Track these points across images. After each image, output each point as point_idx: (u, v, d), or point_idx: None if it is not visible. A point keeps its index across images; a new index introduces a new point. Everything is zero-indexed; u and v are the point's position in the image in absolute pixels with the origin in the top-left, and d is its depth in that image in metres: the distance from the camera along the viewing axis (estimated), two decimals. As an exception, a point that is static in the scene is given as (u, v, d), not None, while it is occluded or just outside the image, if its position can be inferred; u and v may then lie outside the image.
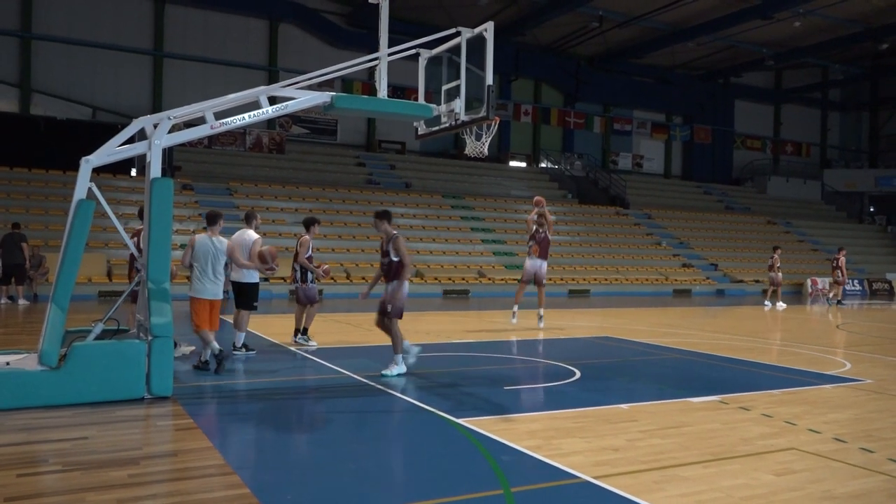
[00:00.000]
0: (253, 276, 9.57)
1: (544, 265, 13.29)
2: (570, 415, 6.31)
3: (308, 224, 10.57)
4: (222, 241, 8.36)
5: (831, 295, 23.77)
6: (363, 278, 23.30)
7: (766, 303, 21.55)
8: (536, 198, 13.58)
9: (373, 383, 7.56)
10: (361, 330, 12.82)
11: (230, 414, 6.39)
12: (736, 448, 5.27)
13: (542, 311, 13.33)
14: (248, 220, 9.74)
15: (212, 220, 8.40)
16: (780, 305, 21.01)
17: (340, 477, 4.57)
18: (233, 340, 9.64)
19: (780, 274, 21.26)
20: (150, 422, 5.90)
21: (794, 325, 16.11)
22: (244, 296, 9.62)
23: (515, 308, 13.34)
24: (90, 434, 5.34)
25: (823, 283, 31.33)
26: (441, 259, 26.07)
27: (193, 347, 9.43)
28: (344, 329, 13.03)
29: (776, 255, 21.26)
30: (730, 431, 5.74)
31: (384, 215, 8.21)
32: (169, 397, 6.54)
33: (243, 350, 9.55)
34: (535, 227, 13.28)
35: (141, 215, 8.50)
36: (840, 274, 22.76)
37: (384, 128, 33.11)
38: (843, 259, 22.86)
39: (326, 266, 10.85)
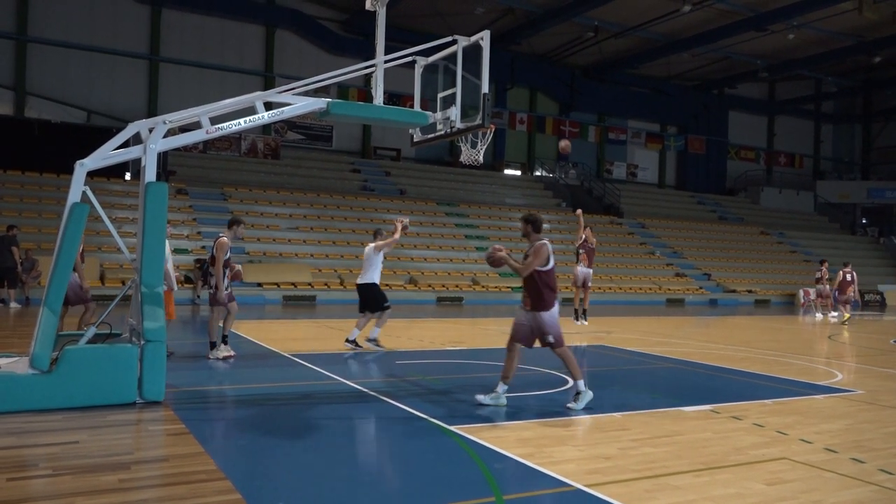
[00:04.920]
0: (364, 279, 10.68)
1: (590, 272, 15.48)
2: (563, 423, 6.31)
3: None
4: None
5: None
6: (356, 284, 23.25)
7: (818, 314, 21.68)
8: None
9: (366, 390, 7.55)
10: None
11: (222, 419, 6.37)
12: (728, 457, 5.28)
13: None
14: (376, 235, 10.92)
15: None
16: (833, 315, 21.06)
17: (332, 483, 4.56)
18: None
19: (827, 286, 21.44)
20: (142, 426, 5.88)
21: (786, 335, 16.15)
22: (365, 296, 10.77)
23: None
24: (81, 438, 5.32)
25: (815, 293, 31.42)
26: (435, 266, 26.07)
27: (234, 353, 9.75)
28: (338, 335, 13.01)
29: (824, 268, 21.51)
30: (722, 441, 5.75)
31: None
32: (161, 402, 6.51)
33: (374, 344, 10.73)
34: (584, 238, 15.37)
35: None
36: None
37: (379, 134, 33.16)
38: None
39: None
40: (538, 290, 6.84)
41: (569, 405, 6.82)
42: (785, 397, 7.80)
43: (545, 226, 32.00)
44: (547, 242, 6.92)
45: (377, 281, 10.64)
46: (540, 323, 6.84)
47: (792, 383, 8.80)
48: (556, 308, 6.90)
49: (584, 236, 15.58)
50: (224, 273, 9.40)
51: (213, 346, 9.52)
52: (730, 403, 7.30)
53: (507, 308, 22.65)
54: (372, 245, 10.68)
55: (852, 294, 19.69)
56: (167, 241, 9.31)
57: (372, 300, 10.63)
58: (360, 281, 10.75)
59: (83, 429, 5.58)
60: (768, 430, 6.18)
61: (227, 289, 9.50)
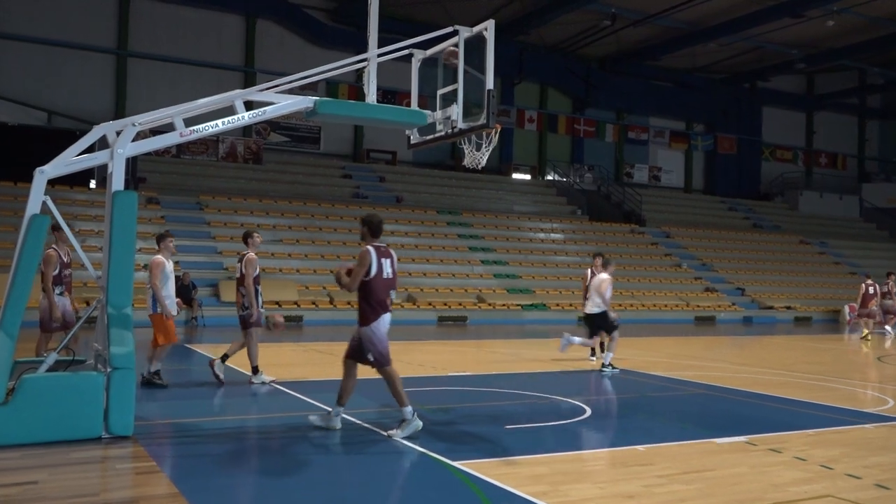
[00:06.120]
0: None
1: None
2: (580, 457, 6.29)
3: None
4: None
5: None
6: (348, 303, 23.29)
7: (889, 330, 22.03)
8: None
9: (359, 421, 7.53)
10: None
11: (198, 455, 6.35)
12: (766, 495, 5.25)
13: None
14: (605, 265, 12.37)
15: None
16: (888, 332, 21.59)
17: (322, 527, 4.53)
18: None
19: (892, 301, 21.89)
20: (108, 464, 5.87)
21: (830, 356, 16.11)
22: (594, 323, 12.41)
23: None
24: (41, 478, 5.31)
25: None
26: (436, 282, 26.08)
27: (273, 378, 10.04)
28: (328, 360, 13.00)
29: (890, 282, 21.92)
30: (759, 476, 5.73)
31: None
32: (129, 437, 6.50)
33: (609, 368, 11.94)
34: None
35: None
36: None
37: (373, 136, 33.24)
38: None
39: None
40: (360, 302, 6.94)
41: (389, 432, 6.85)
42: (829, 427, 7.78)
43: (558, 236, 32.13)
44: (370, 249, 6.85)
45: (606, 309, 12.22)
46: (362, 338, 6.93)
47: (837, 411, 8.77)
48: (380, 323, 6.90)
49: (588, 272, 13.10)
50: (256, 290, 9.81)
51: (255, 371, 9.93)
52: (767, 434, 7.27)
53: (516, 328, 22.64)
54: (607, 277, 12.16)
55: (874, 308, 20.79)
56: (170, 259, 9.54)
57: (599, 326, 12.31)
58: (589, 311, 12.31)
59: (43, 467, 5.57)
60: (811, 464, 6.16)
61: (261, 307, 9.93)
